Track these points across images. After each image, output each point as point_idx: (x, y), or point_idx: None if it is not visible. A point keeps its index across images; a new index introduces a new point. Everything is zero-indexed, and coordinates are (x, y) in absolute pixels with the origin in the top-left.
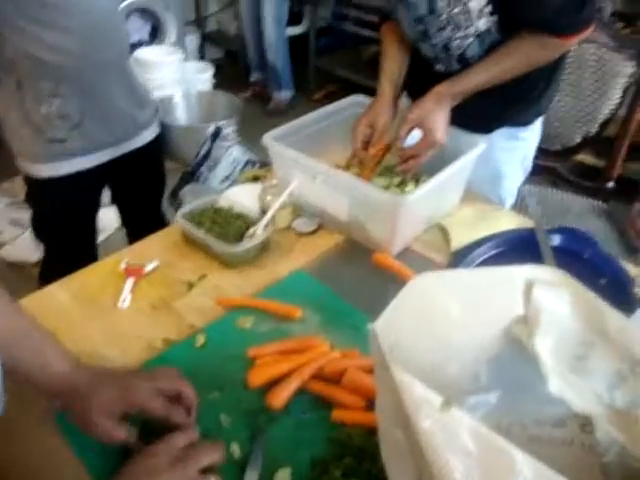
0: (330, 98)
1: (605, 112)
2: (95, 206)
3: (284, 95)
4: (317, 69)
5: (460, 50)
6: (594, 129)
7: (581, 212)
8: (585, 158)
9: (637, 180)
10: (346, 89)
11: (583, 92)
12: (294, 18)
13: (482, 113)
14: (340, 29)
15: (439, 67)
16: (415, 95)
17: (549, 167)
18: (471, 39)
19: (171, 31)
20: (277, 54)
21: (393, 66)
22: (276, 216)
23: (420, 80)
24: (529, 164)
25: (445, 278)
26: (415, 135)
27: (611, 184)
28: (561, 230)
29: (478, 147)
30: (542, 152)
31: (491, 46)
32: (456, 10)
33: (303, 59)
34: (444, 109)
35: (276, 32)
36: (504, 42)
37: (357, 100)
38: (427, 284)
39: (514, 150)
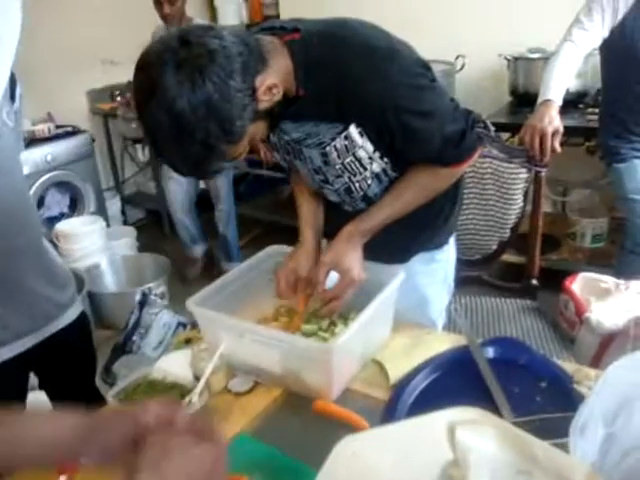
0: (256, 242)
1: (512, 216)
2: (22, 394)
3: (233, 267)
4: (239, 216)
5: (362, 191)
6: (507, 234)
7: (512, 314)
8: (507, 257)
9: (559, 270)
10: (270, 231)
11: (489, 203)
12: None
13: (395, 245)
14: (256, 175)
15: (347, 207)
16: (330, 235)
17: (474, 277)
18: (370, 181)
19: (90, 200)
20: (228, 226)
21: (310, 211)
22: (210, 380)
23: (332, 220)
24: (451, 282)
25: (371, 436)
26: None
27: (535, 281)
28: (494, 341)
29: (397, 277)
30: (464, 263)
31: (390, 182)
32: (348, 160)
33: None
34: (356, 248)
35: (229, 204)
36: (401, 176)
37: (275, 250)
38: (354, 446)
39: (434, 272)
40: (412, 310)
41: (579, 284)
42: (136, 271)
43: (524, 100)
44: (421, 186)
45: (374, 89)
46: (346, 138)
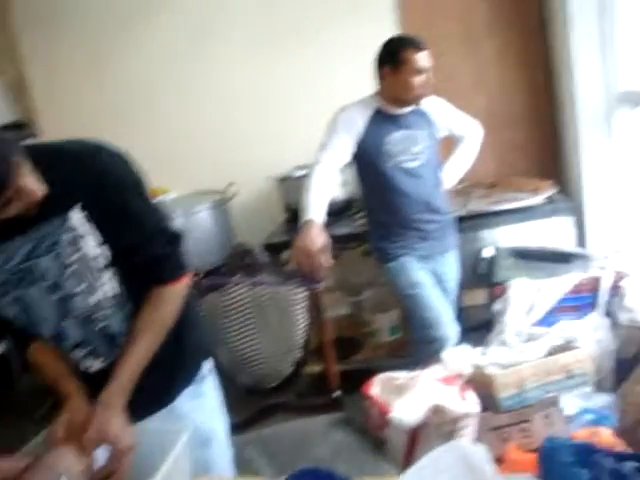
0: (52, 413)
1: (300, 335)
2: None
3: None
4: (29, 386)
5: (104, 321)
6: (298, 354)
7: (322, 432)
8: (310, 370)
9: (365, 370)
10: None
11: (272, 328)
12: None
13: (156, 391)
14: None
15: (89, 363)
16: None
17: (279, 403)
18: (109, 311)
19: None
20: None
21: (63, 368)
22: None
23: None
24: (224, 413)
25: None
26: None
27: (338, 392)
28: (296, 477)
29: (181, 439)
30: (264, 393)
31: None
32: (77, 255)
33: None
34: (117, 413)
35: None
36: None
37: None
38: None
39: (203, 407)
40: (196, 449)
41: (378, 386)
42: None
43: (297, 216)
44: (153, 318)
45: (98, 168)
46: (70, 229)
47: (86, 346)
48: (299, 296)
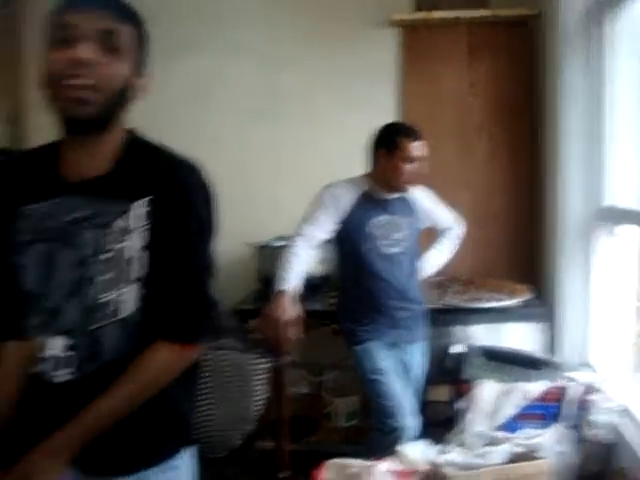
0: None
1: (256, 407)
2: None
3: None
4: None
5: (101, 328)
6: (252, 425)
7: None
8: (262, 445)
9: (317, 451)
10: None
11: (229, 395)
12: None
13: (120, 448)
14: None
15: (56, 370)
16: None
17: (220, 477)
18: (113, 322)
19: None
20: None
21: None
22: None
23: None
24: None
25: None
26: None
27: (286, 473)
28: None
29: None
30: (210, 462)
31: (133, 341)
32: (117, 246)
33: None
34: (54, 465)
35: None
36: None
37: None
38: None
39: None
40: None
41: (330, 472)
42: None
43: (271, 286)
44: (141, 377)
45: (187, 181)
46: (127, 219)
47: (71, 338)
48: (261, 367)
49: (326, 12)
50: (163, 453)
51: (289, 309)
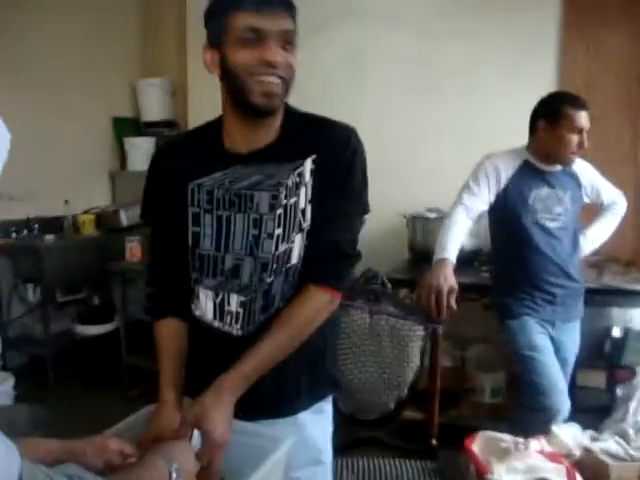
0: (147, 395)
1: (410, 374)
2: None
3: None
4: (130, 367)
5: (272, 279)
6: (404, 392)
7: (412, 477)
8: (406, 414)
9: (459, 426)
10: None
11: (385, 360)
12: (102, 315)
13: (280, 394)
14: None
15: (233, 330)
16: (194, 390)
17: (371, 437)
18: (280, 273)
19: None
20: None
21: (172, 365)
22: None
23: (201, 369)
24: None
25: None
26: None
27: (434, 441)
28: None
29: (285, 443)
30: (360, 423)
31: (292, 288)
32: (291, 202)
33: (115, 357)
34: (224, 405)
35: None
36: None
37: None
38: None
39: (321, 424)
40: (306, 467)
41: (479, 443)
42: (9, 423)
43: (422, 257)
44: (294, 317)
45: (347, 141)
46: (299, 175)
47: (248, 294)
48: (417, 334)
49: None
50: (314, 397)
51: (450, 277)
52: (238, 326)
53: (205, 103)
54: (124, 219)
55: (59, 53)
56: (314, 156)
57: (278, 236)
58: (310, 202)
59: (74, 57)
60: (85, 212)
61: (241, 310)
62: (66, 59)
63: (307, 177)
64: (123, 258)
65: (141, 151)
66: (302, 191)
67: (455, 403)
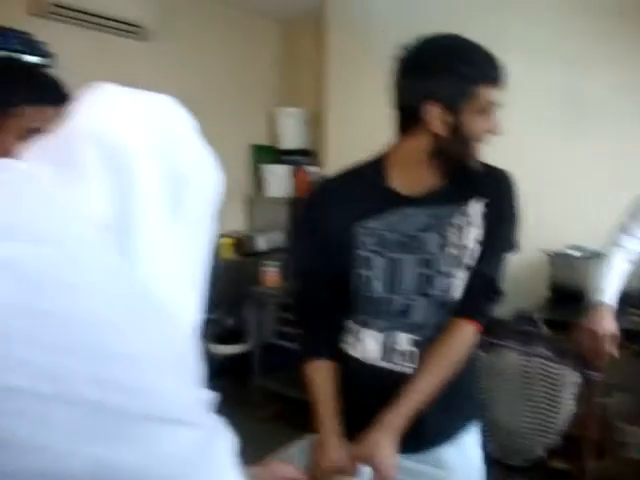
0: (278, 417)
1: (561, 420)
2: None
3: None
4: (261, 388)
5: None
6: (553, 439)
7: None
8: (552, 463)
9: (604, 476)
10: (293, 408)
11: (538, 405)
12: (235, 336)
13: (427, 428)
14: (282, 347)
15: (407, 365)
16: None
17: None
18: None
19: None
20: None
21: (332, 406)
22: None
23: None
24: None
25: None
26: None
27: None
28: None
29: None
30: (505, 468)
31: (444, 317)
32: (463, 242)
33: (246, 378)
34: (391, 441)
35: None
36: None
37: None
38: None
39: (466, 459)
40: None
41: None
42: None
43: (564, 296)
44: (451, 356)
45: (511, 188)
46: (465, 215)
47: (422, 333)
48: (572, 379)
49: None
50: (463, 427)
51: (610, 323)
52: (413, 364)
53: (341, 134)
54: (260, 244)
55: (204, 86)
56: (485, 200)
57: (447, 273)
58: (479, 243)
59: (217, 88)
60: (223, 235)
61: (415, 349)
62: (209, 90)
63: (475, 218)
64: (258, 282)
65: (277, 178)
66: (470, 231)
67: (599, 455)
